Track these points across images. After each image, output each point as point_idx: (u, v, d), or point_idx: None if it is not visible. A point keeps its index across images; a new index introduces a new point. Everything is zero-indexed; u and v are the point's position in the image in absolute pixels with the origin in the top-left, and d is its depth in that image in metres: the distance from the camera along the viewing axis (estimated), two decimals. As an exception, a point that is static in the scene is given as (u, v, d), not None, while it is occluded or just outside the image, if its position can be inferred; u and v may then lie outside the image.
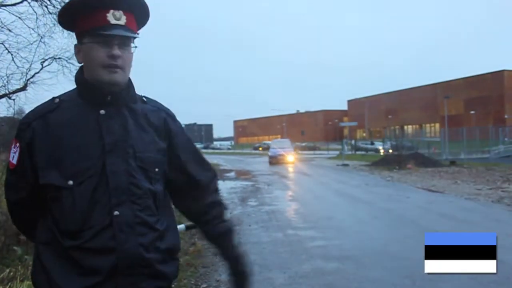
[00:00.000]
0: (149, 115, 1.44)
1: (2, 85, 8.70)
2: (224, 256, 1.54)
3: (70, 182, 1.29)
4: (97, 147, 1.33)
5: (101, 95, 1.35)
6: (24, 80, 8.95)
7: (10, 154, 1.38)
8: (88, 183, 1.30)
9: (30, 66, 8.77)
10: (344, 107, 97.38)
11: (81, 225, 1.29)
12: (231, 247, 1.54)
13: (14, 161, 1.36)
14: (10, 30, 8.33)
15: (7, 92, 8.82)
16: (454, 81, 70.13)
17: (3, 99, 9.16)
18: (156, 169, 1.41)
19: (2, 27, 8.15)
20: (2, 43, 8.39)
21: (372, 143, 49.21)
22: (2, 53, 8.45)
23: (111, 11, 1.32)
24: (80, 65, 1.41)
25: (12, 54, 8.56)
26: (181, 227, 2.31)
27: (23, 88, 9.33)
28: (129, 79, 1.43)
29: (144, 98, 1.48)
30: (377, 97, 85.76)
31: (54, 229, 1.32)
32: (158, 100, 1.54)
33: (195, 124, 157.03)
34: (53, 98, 1.39)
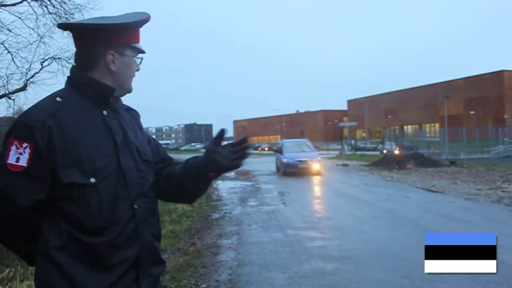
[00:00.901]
0: (132, 117, 1.57)
1: (2, 85, 8.69)
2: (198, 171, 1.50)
3: (93, 180, 1.33)
4: (110, 145, 1.40)
5: (108, 97, 1.44)
6: (24, 80, 8.95)
7: (9, 156, 1.30)
8: (110, 180, 1.36)
9: (30, 66, 8.77)
10: (344, 107, 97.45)
11: (109, 220, 1.34)
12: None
13: (23, 163, 1.29)
14: (10, 30, 8.33)
15: (7, 92, 8.81)
16: (454, 81, 70.19)
17: (3, 99, 9.16)
18: (152, 160, 1.54)
19: (2, 27, 8.15)
20: (2, 43, 8.39)
21: (376, 148, 49.73)
22: (2, 53, 8.45)
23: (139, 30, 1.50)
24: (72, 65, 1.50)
25: (12, 54, 8.56)
26: None
27: (23, 88, 9.33)
28: None
29: (125, 106, 1.59)
30: (377, 97, 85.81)
31: (71, 229, 1.32)
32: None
33: (194, 124, 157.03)
34: (54, 97, 1.39)
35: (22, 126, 1.32)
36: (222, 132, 1.45)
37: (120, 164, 1.39)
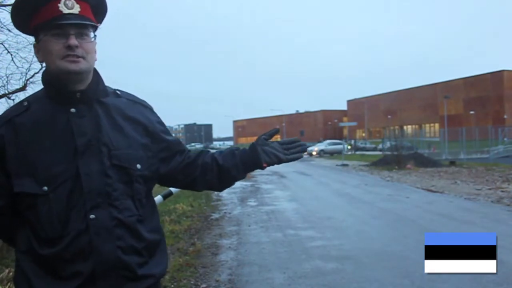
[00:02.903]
0: (125, 109, 1.40)
1: (1, 85, 8.69)
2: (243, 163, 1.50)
3: (45, 188, 1.25)
4: (70, 149, 1.28)
5: (70, 92, 1.30)
6: (23, 80, 8.94)
7: None
8: (63, 188, 1.25)
9: (29, 66, 8.76)
10: (344, 107, 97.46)
11: (60, 231, 1.25)
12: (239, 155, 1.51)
13: None
14: (10, 30, 8.32)
15: (7, 92, 8.81)
16: (453, 81, 70.20)
17: (3, 99, 9.15)
18: (138, 166, 1.35)
19: (2, 27, 8.15)
20: (2, 43, 8.39)
21: (375, 147, 49.88)
22: (1, 53, 8.45)
23: (62, 0, 1.28)
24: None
25: (11, 54, 8.56)
26: (158, 198, 2.31)
27: (23, 88, 9.32)
28: (96, 72, 1.38)
29: (118, 92, 1.44)
30: (376, 97, 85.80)
31: (31, 237, 1.28)
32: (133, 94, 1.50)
33: (194, 124, 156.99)
34: (22, 101, 1.34)
35: None
36: (275, 131, 1.52)
37: (78, 170, 1.27)
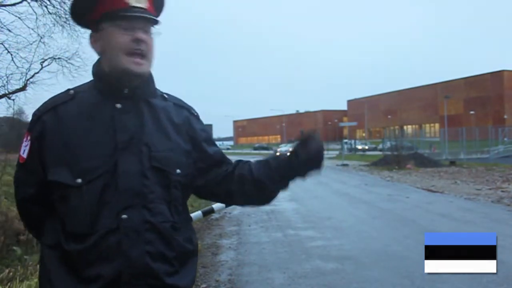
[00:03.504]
0: (171, 113, 1.34)
1: (1, 85, 8.71)
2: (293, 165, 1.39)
3: (79, 180, 1.19)
4: (110, 144, 1.22)
5: (118, 87, 1.26)
6: (23, 80, 8.97)
7: (21, 148, 1.29)
8: (97, 183, 1.20)
9: (29, 66, 8.79)
10: (344, 107, 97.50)
11: (89, 227, 1.19)
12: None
13: (25, 155, 1.28)
14: (10, 30, 8.34)
15: (7, 92, 8.82)
16: (453, 81, 70.25)
17: (3, 99, 9.17)
18: (178, 170, 1.28)
19: (2, 27, 8.16)
20: (2, 43, 8.40)
21: (351, 143, 50.73)
22: (2, 53, 8.46)
23: None
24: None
25: (11, 54, 8.58)
26: (197, 214, 2.25)
27: (23, 88, 9.34)
28: (150, 72, 1.32)
29: (165, 95, 1.39)
30: (376, 97, 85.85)
31: (59, 231, 1.23)
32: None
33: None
34: (68, 90, 1.30)
35: (31, 118, 1.31)
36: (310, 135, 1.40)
37: (116, 167, 1.21)
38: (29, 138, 1.27)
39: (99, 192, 1.19)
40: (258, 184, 1.38)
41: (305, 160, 1.38)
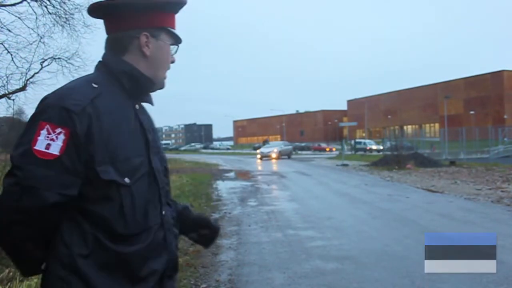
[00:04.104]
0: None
1: (1, 85, 8.70)
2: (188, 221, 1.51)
3: (127, 180, 1.18)
4: (142, 143, 1.26)
5: (146, 90, 1.33)
6: (23, 80, 8.96)
7: (37, 141, 1.11)
8: (143, 181, 1.22)
9: (29, 66, 8.78)
10: (344, 107, 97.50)
11: (142, 226, 1.21)
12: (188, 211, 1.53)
13: (55, 151, 1.11)
14: (10, 30, 8.34)
15: (7, 92, 8.82)
16: (453, 81, 70.26)
17: (3, 99, 9.16)
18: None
19: (2, 27, 8.16)
20: (2, 43, 8.39)
21: (364, 143, 49.85)
22: (1, 53, 8.46)
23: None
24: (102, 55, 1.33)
25: (11, 54, 8.58)
26: None
27: (23, 88, 9.33)
28: None
29: None
30: (376, 97, 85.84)
31: (99, 235, 1.15)
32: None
33: (194, 124, 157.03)
34: (89, 82, 1.23)
35: (58, 109, 1.13)
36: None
37: (151, 165, 1.26)
38: (60, 131, 1.12)
39: (145, 191, 1.23)
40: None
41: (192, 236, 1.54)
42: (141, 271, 1.20)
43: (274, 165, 26.46)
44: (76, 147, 1.13)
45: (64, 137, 1.12)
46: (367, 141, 53.46)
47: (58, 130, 1.12)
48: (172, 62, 1.37)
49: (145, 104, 1.39)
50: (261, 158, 34.05)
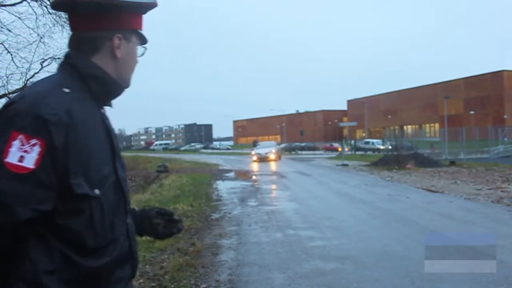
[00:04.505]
0: None
1: (1, 85, 8.70)
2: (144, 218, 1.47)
3: (97, 192, 1.12)
4: (109, 151, 1.21)
5: (115, 95, 1.30)
6: (23, 80, 8.96)
7: (9, 153, 1.02)
8: (110, 191, 1.17)
9: (29, 66, 8.78)
10: (344, 107, 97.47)
11: (110, 238, 1.17)
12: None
13: (30, 164, 1.02)
14: (9, 30, 8.33)
15: (7, 92, 8.81)
16: (453, 81, 70.24)
17: (3, 99, 9.16)
18: None
19: (2, 27, 8.16)
20: (2, 43, 8.39)
21: (372, 143, 48.49)
22: (1, 53, 8.46)
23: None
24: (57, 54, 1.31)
25: (11, 54, 8.57)
26: None
27: (23, 88, 9.32)
28: None
29: None
30: (376, 97, 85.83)
31: (66, 250, 1.09)
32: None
33: (194, 124, 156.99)
34: (59, 86, 1.14)
35: (32, 118, 1.03)
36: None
37: (117, 173, 1.21)
38: (36, 142, 1.03)
39: (112, 201, 1.18)
40: None
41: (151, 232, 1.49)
42: (109, 282, 1.19)
43: (274, 165, 26.44)
44: (52, 160, 1.04)
45: (39, 149, 1.03)
46: (375, 140, 50.89)
47: (33, 141, 1.03)
48: (137, 63, 1.36)
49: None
50: (257, 161, 30.34)
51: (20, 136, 1.02)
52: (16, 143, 1.02)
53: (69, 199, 1.08)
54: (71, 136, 1.07)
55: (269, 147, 32.70)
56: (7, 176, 1.01)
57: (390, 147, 23.84)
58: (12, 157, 1.02)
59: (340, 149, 50.80)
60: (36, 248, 1.08)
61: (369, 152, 44.07)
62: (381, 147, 43.28)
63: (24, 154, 1.02)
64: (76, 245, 1.10)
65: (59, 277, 1.08)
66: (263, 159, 30.42)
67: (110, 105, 1.32)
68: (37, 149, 1.03)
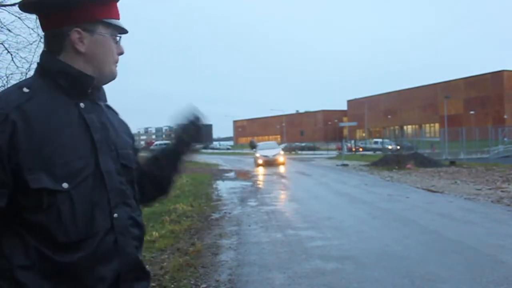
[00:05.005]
0: (113, 115, 1.40)
1: (1, 85, 8.69)
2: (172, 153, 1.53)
3: (65, 185, 1.12)
4: (87, 144, 1.20)
5: (86, 87, 1.25)
6: (23, 80, 8.96)
7: None
8: (85, 185, 1.16)
9: (29, 66, 8.75)
10: (344, 107, 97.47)
11: (86, 232, 1.15)
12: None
13: None
14: (10, 30, 8.33)
15: (7, 92, 8.82)
16: (453, 81, 70.22)
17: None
18: (134, 167, 1.36)
19: (2, 27, 8.15)
20: (2, 43, 8.39)
21: (381, 143, 47.38)
22: (1, 53, 8.45)
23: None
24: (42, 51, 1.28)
25: (11, 54, 8.56)
26: None
27: (23, 88, 9.31)
28: None
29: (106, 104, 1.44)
30: (376, 97, 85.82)
31: (40, 246, 1.11)
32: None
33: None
34: (20, 87, 1.19)
35: None
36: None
37: (98, 167, 1.20)
38: None
39: (88, 194, 1.17)
40: (150, 177, 1.49)
41: (188, 142, 1.53)
42: (87, 280, 1.15)
43: (273, 165, 26.40)
44: (4, 157, 1.08)
45: None
46: (385, 140, 47.11)
47: None
48: (120, 53, 1.31)
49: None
50: (263, 164, 25.58)
51: None
52: None
53: (30, 193, 1.10)
54: (22, 132, 1.10)
55: (274, 148, 28.29)
56: None
57: (398, 147, 23.71)
58: None
59: (354, 150, 49.67)
60: (10, 244, 1.11)
61: (378, 152, 43.26)
62: (389, 147, 42.20)
63: None
64: (49, 241, 1.11)
65: (37, 273, 1.10)
66: (270, 163, 25.87)
67: (100, 100, 1.32)
68: None
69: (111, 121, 1.33)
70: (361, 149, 51.77)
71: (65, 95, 1.22)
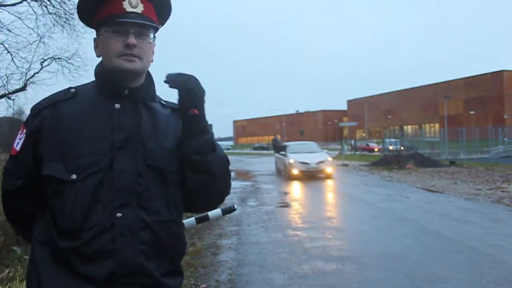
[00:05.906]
0: (169, 118, 1.37)
1: (1, 85, 8.70)
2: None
3: (74, 177, 1.21)
4: (107, 143, 1.25)
5: (119, 88, 1.30)
6: (23, 80, 8.98)
7: (16, 140, 1.33)
8: (92, 179, 1.21)
9: (29, 66, 8.79)
10: (344, 107, 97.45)
11: (80, 224, 1.20)
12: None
13: (18, 148, 1.31)
14: (10, 30, 8.34)
15: (7, 92, 8.83)
16: (453, 81, 70.18)
17: (3, 99, 9.18)
18: (175, 167, 1.32)
19: (2, 27, 8.16)
20: (2, 43, 8.39)
21: (390, 143, 46.18)
22: (1, 53, 8.46)
23: None
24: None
25: (11, 54, 8.58)
26: (190, 220, 2.22)
27: (23, 88, 9.35)
28: (150, 75, 1.38)
29: (163, 102, 1.42)
30: (376, 97, 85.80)
31: (52, 227, 1.23)
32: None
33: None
34: (69, 88, 1.35)
35: (29, 112, 1.34)
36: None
37: (112, 165, 1.23)
38: (24, 131, 1.31)
39: (92, 189, 1.21)
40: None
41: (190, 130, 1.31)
42: (79, 270, 1.19)
43: (273, 165, 26.40)
44: (29, 145, 1.28)
45: (24, 135, 1.30)
46: (393, 140, 44.16)
47: (24, 130, 1.32)
48: (128, 45, 1.26)
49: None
50: (299, 175, 16.28)
51: (22, 127, 1.34)
52: (20, 132, 1.33)
53: (45, 180, 1.25)
54: (47, 126, 1.26)
55: (315, 152, 18.08)
56: (10, 157, 1.35)
57: (402, 148, 23.56)
58: (15, 143, 1.33)
59: (377, 150, 45.78)
60: (38, 220, 1.30)
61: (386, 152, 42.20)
62: (390, 147, 40.46)
63: (19, 141, 1.32)
64: (55, 225, 1.23)
65: (48, 249, 1.23)
66: (312, 174, 16.61)
67: (144, 100, 1.33)
68: (23, 136, 1.31)
69: (155, 121, 1.33)
70: (376, 150, 46.72)
71: (105, 96, 1.31)
